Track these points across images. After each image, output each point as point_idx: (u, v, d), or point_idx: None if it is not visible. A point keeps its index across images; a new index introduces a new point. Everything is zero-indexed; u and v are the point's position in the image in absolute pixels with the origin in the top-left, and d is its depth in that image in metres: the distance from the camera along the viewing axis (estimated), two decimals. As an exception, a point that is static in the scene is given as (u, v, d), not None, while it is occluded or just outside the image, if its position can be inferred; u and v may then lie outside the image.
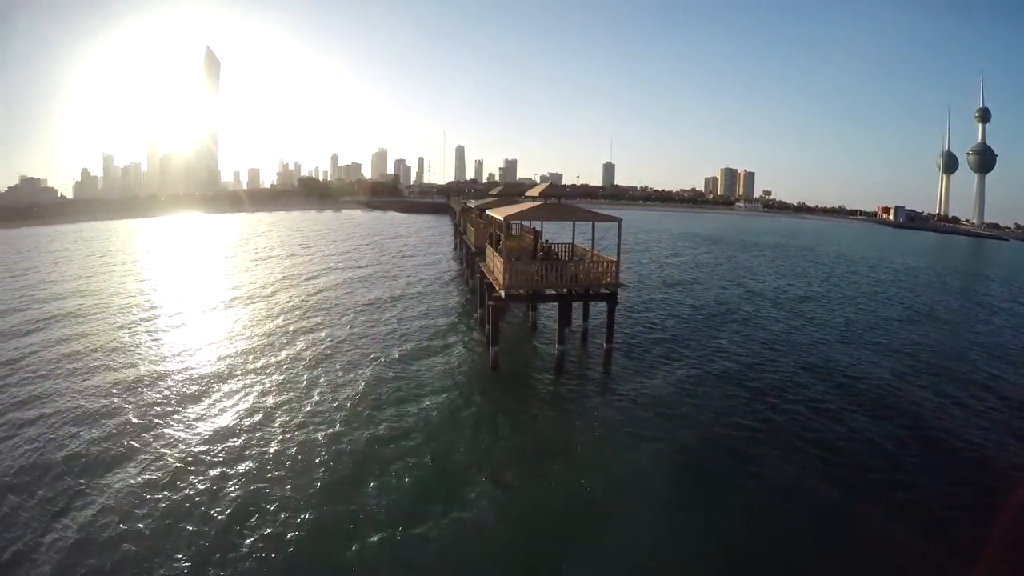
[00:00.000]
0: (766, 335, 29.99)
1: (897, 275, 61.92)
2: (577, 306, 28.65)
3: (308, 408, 19.32)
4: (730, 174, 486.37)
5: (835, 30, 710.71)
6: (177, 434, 17.41)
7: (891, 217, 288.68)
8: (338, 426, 17.87)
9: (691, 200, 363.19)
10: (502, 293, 22.08)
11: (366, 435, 17.17)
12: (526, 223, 33.63)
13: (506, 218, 22.65)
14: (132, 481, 14.65)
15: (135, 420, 18.35)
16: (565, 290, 22.86)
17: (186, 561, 11.73)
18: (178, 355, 25.47)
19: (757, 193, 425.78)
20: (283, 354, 25.50)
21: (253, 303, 37.13)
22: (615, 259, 22.59)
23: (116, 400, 20.05)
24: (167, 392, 20.85)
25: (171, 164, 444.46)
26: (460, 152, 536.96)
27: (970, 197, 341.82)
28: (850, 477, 15.50)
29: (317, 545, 12.18)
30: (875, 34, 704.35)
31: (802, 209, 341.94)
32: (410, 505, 13.60)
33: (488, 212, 31.11)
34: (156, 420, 18.36)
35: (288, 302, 37.01)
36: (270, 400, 20.03)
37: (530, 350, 26.72)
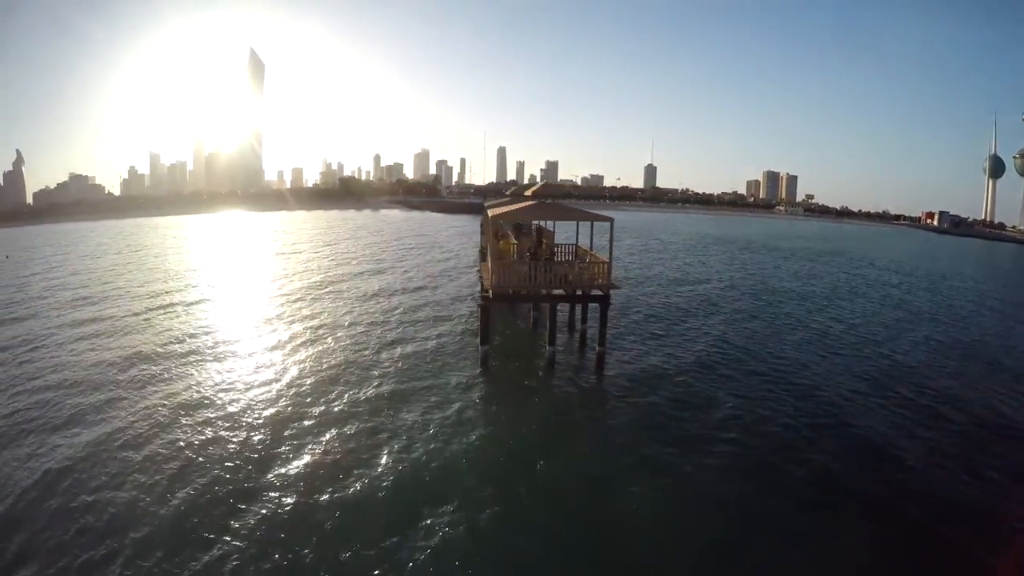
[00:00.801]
0: (775, 347, 28.40)
1: (934, 283, 58.28)
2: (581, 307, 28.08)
3: (279, 402, 19.64)
4: (772, 177, 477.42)
5: (881, 32, 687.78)
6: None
7: (935, 222, 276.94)
8: (305, 421, 18.15)
9: (731, 203, 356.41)
10: (490, 292, 21.94)
11: (327, 431, 17.36)
12: (539, 224, 33.36)
13: (492, 217, 22.33)
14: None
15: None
16: (554, 291, 22.42)
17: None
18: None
19: (799, 197, 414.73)
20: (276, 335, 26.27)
21: (255, 292, 39.31)
22: (607, 260, 22.02)
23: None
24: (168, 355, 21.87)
25: (216, 163, 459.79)
26: (502, 153, 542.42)
27: (1017, 202, 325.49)
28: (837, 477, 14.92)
29: (286, 539, 12.25)
30: (921, 36, 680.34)
31: (844, 214, 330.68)
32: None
33: (489, 212, 30.84)
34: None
35: (288, 294, 38.68)
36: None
37: (527, 350, 26.38)
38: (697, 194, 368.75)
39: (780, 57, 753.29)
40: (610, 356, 24.19)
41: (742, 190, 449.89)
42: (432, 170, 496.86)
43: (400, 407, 19.03)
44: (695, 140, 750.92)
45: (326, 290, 40.75)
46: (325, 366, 23.45)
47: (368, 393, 20.31)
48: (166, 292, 40.94)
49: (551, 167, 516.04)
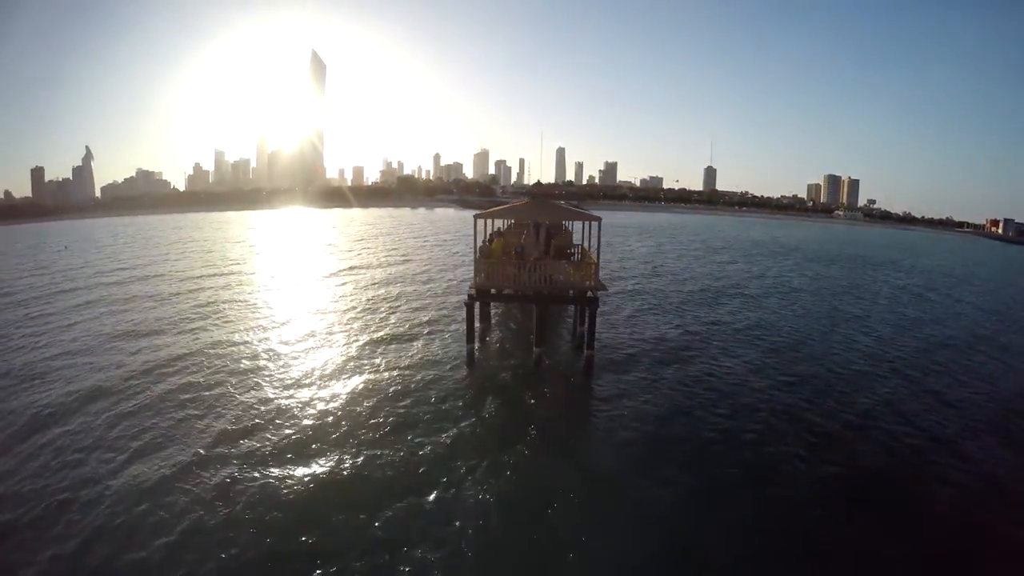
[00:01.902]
0: (785, 360, 26.22)
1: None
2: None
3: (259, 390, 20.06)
4: (833, 181, 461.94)
5: (948, 34, 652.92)
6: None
7: (1000, 231, 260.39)
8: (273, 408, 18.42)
9: (789, 207, 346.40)
10: (473, 291, 21.84)
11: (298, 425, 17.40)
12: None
13: (475, 216, 21.98)
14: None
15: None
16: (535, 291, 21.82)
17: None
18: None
19: (861, 202, 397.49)
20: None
21: (288, 282, 40.81)
22: (595, 261, 21.34)
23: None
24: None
25: (279, 160, 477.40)
26: (561, 154, 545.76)
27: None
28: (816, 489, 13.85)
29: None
30: (990, 38, 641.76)
31: (906, 220, 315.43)
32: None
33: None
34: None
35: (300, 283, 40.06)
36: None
37: (518, 350, 25.60)
38: (755, 197, 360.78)
39: (845, 58, 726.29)
40: (606, 363, 23.30)
41: (803, 193, 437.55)
42: (491, 170, 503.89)
43: (368, 400, 19.01)
44: (757, 142, 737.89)
45: (336, 280, 43.00)
46: (304, 353, 23.95)
47: (343, 387, 20.36)
48: (199, 277, 44.30)
49: (610, 168, 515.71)
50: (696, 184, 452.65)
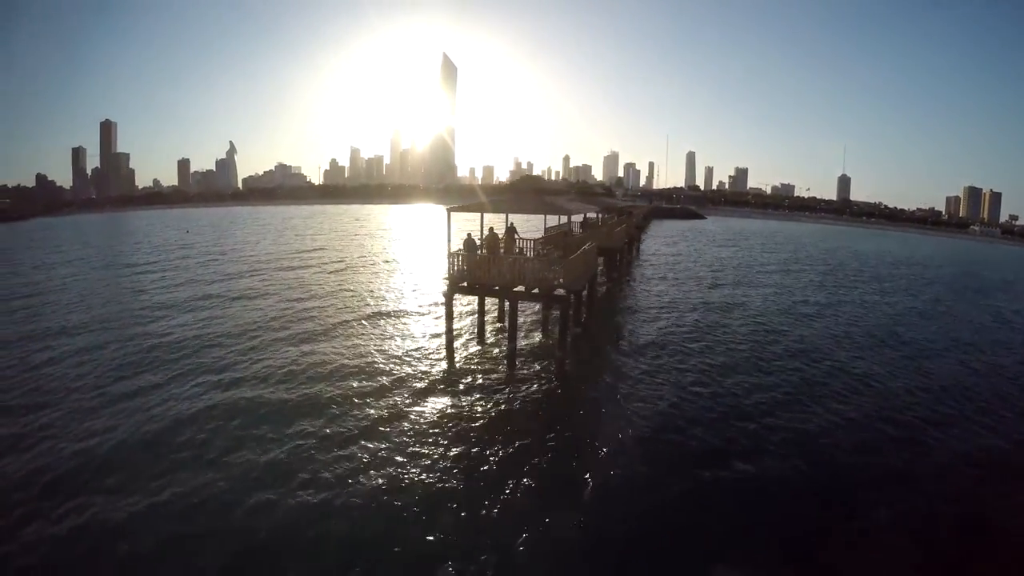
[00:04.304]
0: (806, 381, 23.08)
1: None
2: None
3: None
4: (974, 194, 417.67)
5: None
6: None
7: None
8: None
9: (921, 220, 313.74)
10: (447, 285, 22.25)
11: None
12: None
13: (448, 209, 22.47)
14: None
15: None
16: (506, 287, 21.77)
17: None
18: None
19: (1003, 217, 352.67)
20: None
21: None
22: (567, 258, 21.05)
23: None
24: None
25: (411, 158, 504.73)
26: (691, 158, 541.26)
27: None
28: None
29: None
30: None
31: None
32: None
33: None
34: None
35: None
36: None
37: (501, 347, 24.96)
38: (885, 208, 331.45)
39: (993, 60, 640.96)
40: (581, 365, 22.75)
41: (941, 206, 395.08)
42: (620, 172, 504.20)
43: (331, 392, 19.36)
44: (894, 152, 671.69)
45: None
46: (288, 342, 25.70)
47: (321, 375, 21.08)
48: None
49: (740, 174, 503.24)
50: (829, 193, 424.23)
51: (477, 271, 21.47)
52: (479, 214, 24.29)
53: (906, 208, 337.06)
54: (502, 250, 23.51)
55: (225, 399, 18.44)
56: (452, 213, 22.84)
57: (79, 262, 56.35)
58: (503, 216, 26.43)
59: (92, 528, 11.78)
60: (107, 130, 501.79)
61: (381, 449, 15.22)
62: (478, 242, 23.21)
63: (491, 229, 23.15)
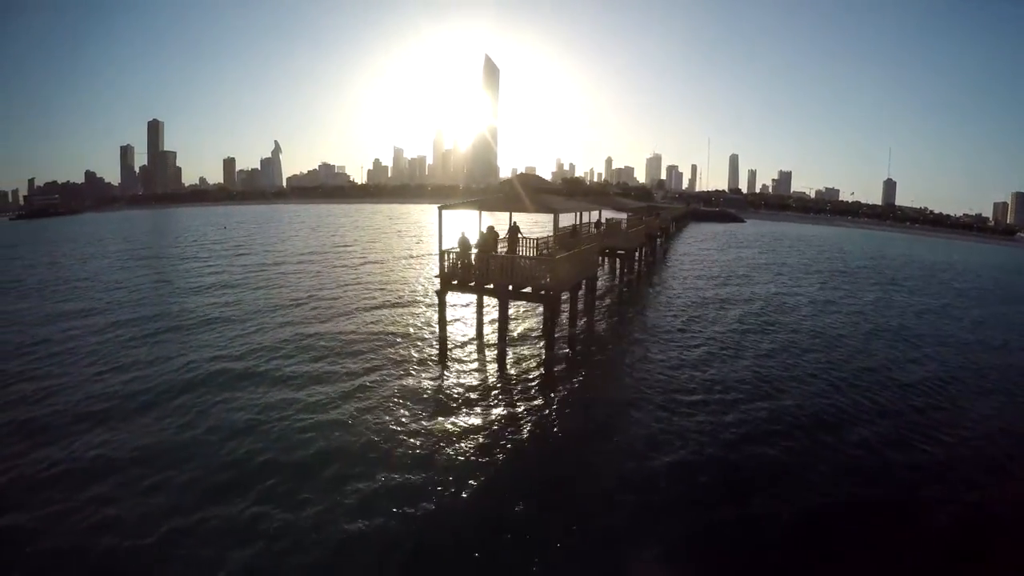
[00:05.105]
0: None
1: None
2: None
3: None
4: (1022, 199, 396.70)
5: None
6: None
7: None
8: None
9: (966, 226, 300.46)
10: (439, 282, 22.58)
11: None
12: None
13: (440, 207, 22.58)
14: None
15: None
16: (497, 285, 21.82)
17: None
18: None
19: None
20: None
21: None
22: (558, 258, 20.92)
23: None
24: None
25: (453, 158, 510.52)
26: (734, 161, 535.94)
27: None
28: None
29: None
30: None
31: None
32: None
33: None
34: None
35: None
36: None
37: (494, 345, 24.75)
38: (929, 214, 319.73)
39: None
40: (572, 368, 22.18)
41: (988, 212, 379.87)
42: (663, 175, 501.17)
43: (325, 388, 19.60)
44: (940, 156, 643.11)
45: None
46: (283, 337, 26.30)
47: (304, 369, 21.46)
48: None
49: (784, 177, 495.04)
50: (874, 198, 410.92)
51: (466, 270, 21.58)
52: (486, 213, 24.45)
53: (952, 213, 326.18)
54: (502, 249, 23.56)
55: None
56: (451, 212, 23.01)
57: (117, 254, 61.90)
58: (507, 215, 26.44)
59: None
60: (155, 129, 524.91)
61: (357, 448, 15.34)
62: (471, 241, 23.22)
63: (490, 228, 23.17)
